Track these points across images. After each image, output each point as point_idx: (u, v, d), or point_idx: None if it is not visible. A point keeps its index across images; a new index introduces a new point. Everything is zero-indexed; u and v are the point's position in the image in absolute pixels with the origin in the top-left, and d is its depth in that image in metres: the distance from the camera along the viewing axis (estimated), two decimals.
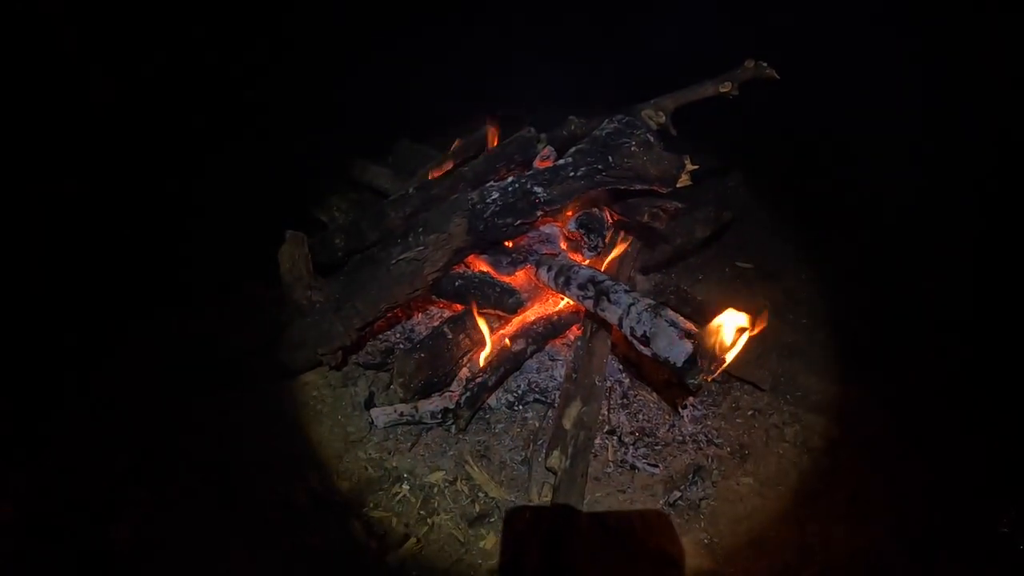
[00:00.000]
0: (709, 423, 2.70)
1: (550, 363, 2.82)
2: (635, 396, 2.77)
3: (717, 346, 2.18)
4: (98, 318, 2.93)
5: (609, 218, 2.91)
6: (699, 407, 2.73)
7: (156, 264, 3.19)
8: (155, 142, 3.52)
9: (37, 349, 2.81)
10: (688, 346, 2.18)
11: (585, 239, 2.81)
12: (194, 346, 2.87)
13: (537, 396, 2.71)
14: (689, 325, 2.25)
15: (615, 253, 2.89)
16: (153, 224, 3.31)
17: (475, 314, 2.70)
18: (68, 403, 2.68)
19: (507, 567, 2.21)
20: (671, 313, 2.31)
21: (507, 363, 2.68)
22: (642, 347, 2.32)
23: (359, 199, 3.44)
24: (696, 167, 2.61)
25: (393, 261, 2.54)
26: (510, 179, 2.60)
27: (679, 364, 2.19)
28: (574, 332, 2.88)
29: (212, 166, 3.71)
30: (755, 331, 2.18)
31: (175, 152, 3.57)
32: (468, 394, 2.57)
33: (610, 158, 2.55)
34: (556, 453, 2.36)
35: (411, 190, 2.88)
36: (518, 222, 2.57)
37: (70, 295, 2.97)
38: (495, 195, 2.55)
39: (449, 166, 3.08)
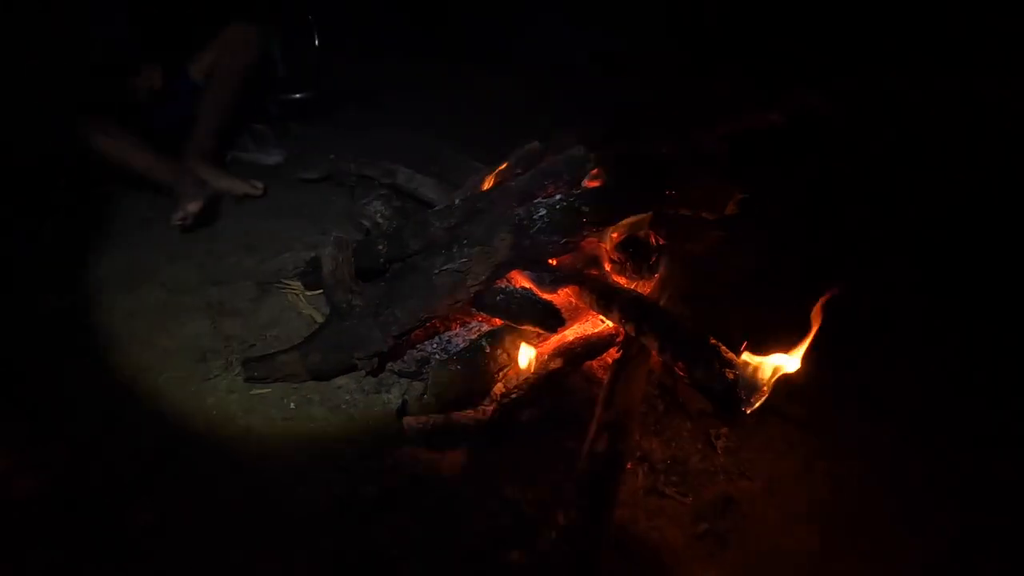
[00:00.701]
0: (742, 455, 2.66)
1: (585, 385, 2.80)
2: (669, 423, 2.74)
3: (758, 379, 2.17)
4: None
5: (654, 242, 2.92)
6: (732, 438, 2.69)
7: None
8: None
9: None
10: (729, 377, 2.17)
11: (630, 262, 2.81)
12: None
13: (570, 417, 2.70)
14: (731, 356, 2.24)
15: (657, 277, 2.88)
16: None
17: (519, 330, 2.70)
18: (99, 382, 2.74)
19: None
20: (712, 341, 2.29)
21: (543, 382, 2.67)
22: (682, 374, 2.31)
23: (403, 207, 3.46)
24: (744, 196, 2.60)
25: (436, 272, 2.56)
26: (558, 197, 2.61)
27: (719, 394, 2.18)
28: (611, 354, 2.86)
29: None
30: (795, 370, 2.17)
31: None
32: (503, 410, 2.56)
33: (663, 182, 2.55)
34: (585, 476, 2.35)
35: (456, 201, 2.90)
36: (564, 241, 2.58)
37: None
38: (542, 212, 2.56)
39: (495, 180, 3.09)
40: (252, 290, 3.25)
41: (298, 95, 4.76)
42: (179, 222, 3.54)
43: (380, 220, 3.25)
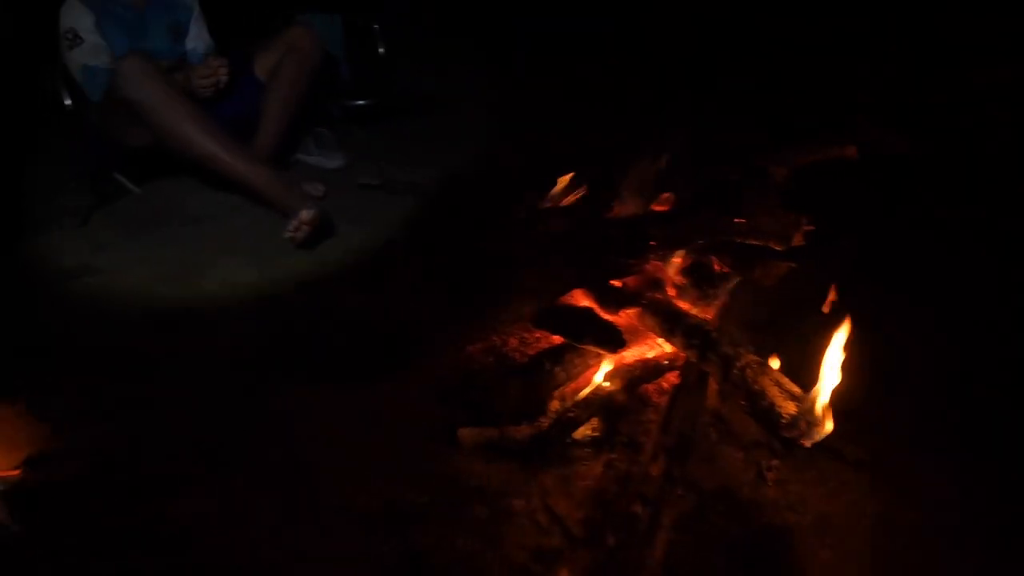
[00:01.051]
0: (791, 488, 2.64)
1: (641, 407, 2.81)
2: (720, 452, 2.73)
3: (820, 413, 2.17)
4: None
5: (718, 268, 2.92)
6: (783, 471, 2.67)
7: None
8: None
9: None
10: (790, 408, 2.17)
11: (695, 287, 2.82)
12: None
13: (625, 439, 2.70)
14: (793, 387, 2.25)
15: (721, 304, 2.89)
16: None
17: (579, 349, 2.71)
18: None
19: None
20: (776, 373, 2.31)
21: (599, 402, 2.68)
22: (745, 404, 2.31)
23: None
24: (812, 228, 2.60)
25: None
26: (627, 218, 2.63)
27: (779, 426, 2.18)
28: (667, 378, 2.86)
29: None
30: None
31: None
32: (558, 427, 2.57)
33: (731, 210, 2.56)
34: (640, 501, 2.35)
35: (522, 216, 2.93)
36: (631, 262, 2.59)
37: None
38: (608, 232, 2.58)
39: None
40: None
41: (361, 101, 4.81)
42: (292, 233, 3.55)
43: None
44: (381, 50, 4.72)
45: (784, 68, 4.88)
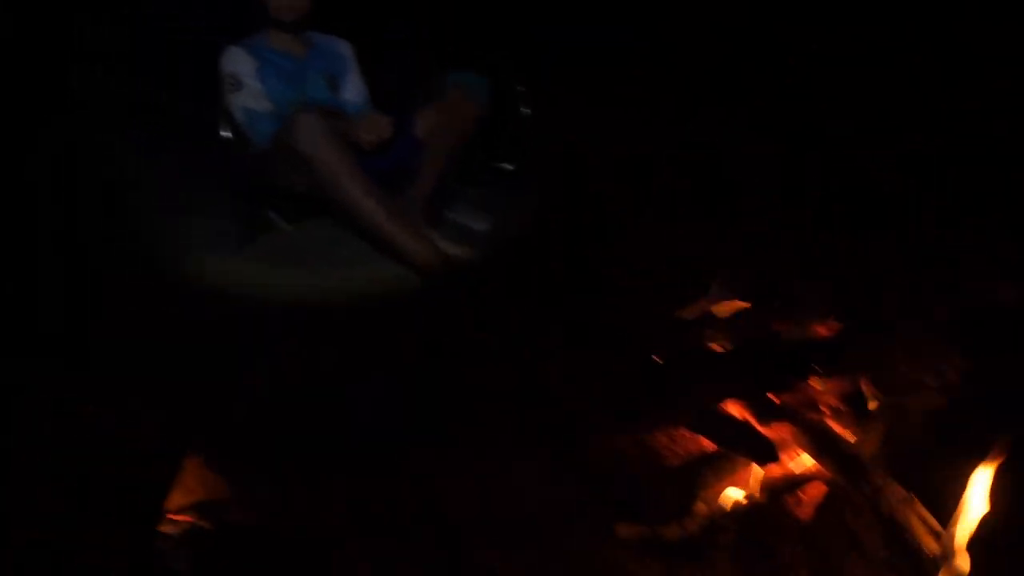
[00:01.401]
0: None
1: (781, 517, 2.90)
2: (848, 567, 2.81)
3: (958, 552, 2.26)
4: None
5: (870, 393, 3.01)
6: None
7: None
8: None
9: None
10: (933, 545, 2.26)
11: (854, 414, 2.91)
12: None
13: (763, 548, 2.81)
14: (936, 525, 2.34)
15: (872, 430, 2.98)
16: None
17: (729, 456, 2.83)
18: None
19: None
20: (922, 508, 2.39)
21: (743, 510, 2.80)
22: (890, 533, 2.40)
23: None
24: (969, 362, 2.70)
25: None
26: (790, 336, 2.75)
27: (923, 560, 2.27)
28: (806, 490, 2.96)
29: None
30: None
31: None
32: (704, 532, 2.71)
33: (890, 339, 2.67)
34: None
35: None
36: (792, 380, 2.71)
37: None
38: (772, 349, 2.70)
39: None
40: None
41: (507, 164, 4.88)
42: None
43: None
44: (526, 111, 4.81)
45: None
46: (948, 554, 2.28)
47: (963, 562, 2.30)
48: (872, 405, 2.96)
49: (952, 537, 2.29)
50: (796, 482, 2.95)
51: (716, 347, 3.04)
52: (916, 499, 2.47)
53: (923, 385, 2.81)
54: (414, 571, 2.60)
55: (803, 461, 2.99)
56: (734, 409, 2.95)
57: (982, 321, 3.12)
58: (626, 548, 2.72)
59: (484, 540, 2.74)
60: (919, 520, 2.34)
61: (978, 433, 3.27)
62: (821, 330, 2.96)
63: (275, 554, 2.60)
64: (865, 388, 2.95)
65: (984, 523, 2.34)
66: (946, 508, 2.72)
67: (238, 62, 3.94)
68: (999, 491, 2.73)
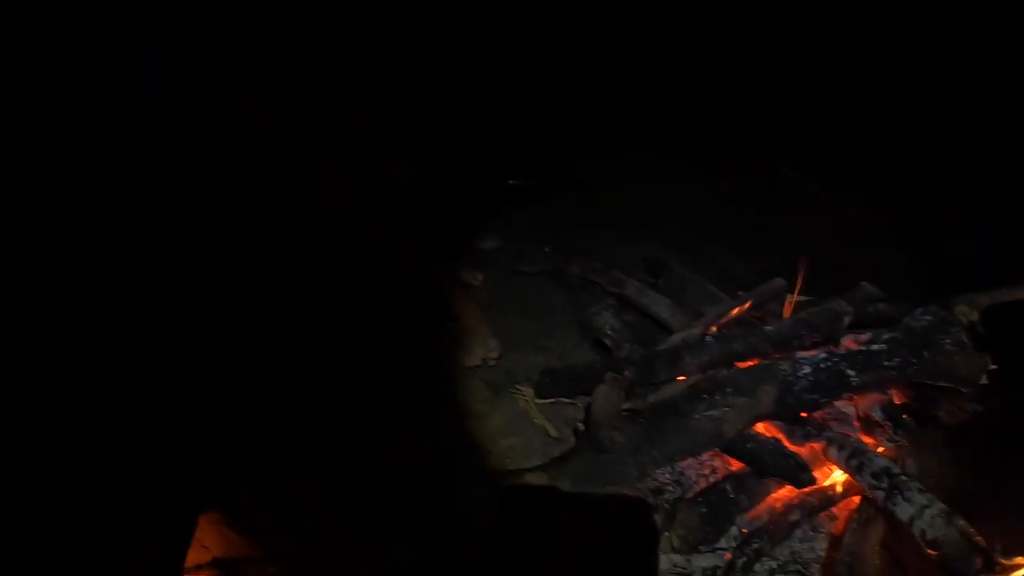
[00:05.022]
0: None
1: (812, 534, 2.88)
2: None
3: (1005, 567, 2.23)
4: None
5: (897, 402, 2.98)
6: None
7: None
8: None
9: None
10: (977, 562, 2.24)
11: (889, 429, 2.88)
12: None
13: (799, 567, 2.78)
14: (979, 539, 2.30)
15: (906, 444, 2.95)
16: None
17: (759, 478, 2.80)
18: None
19: None
20: (963, 523, 2.36)
21: (780, 531, 2.76)
22: (930, 552, 2.37)
23: (631, 321, 3.56)
24: (996, 367, 2.67)
25: (697, 416, 2.68)
26: (823, 355, 2.71)
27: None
28: (840, 506, 2.93)
29: None
30: None
31: None
32: (744, 559, 2.66)
33: (925, 353, 2.65)
34: None
35: (708, 337, 3.00)
36: (823, 399, 2.68)
37: None
38: (807, 370, 2.67)
39: (739, 312, 3.19)
40: (484, 391, 3.35)
41: (515, 180, 4.84)
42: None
43: (611, 334, 3.35)
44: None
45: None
46: (992, 566, 2.24)
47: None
48: (906, 418, 2.92)
49: (998, 556, 2.24)
50: (831, 499, 2.91)
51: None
52: (957, 514, 2.41)
53: (955, 392, 2.76)
54: None
55: (837, 478, 2.95)
56: (763, 428, 2.90)
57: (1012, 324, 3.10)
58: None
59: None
60: (962, 537, 2.27)
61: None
62: (851, 343, 2.91)
63: None
64: (898, 400, 2.91)
65: None
66: (987, 520, 2.73)
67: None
68: None
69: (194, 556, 2.65)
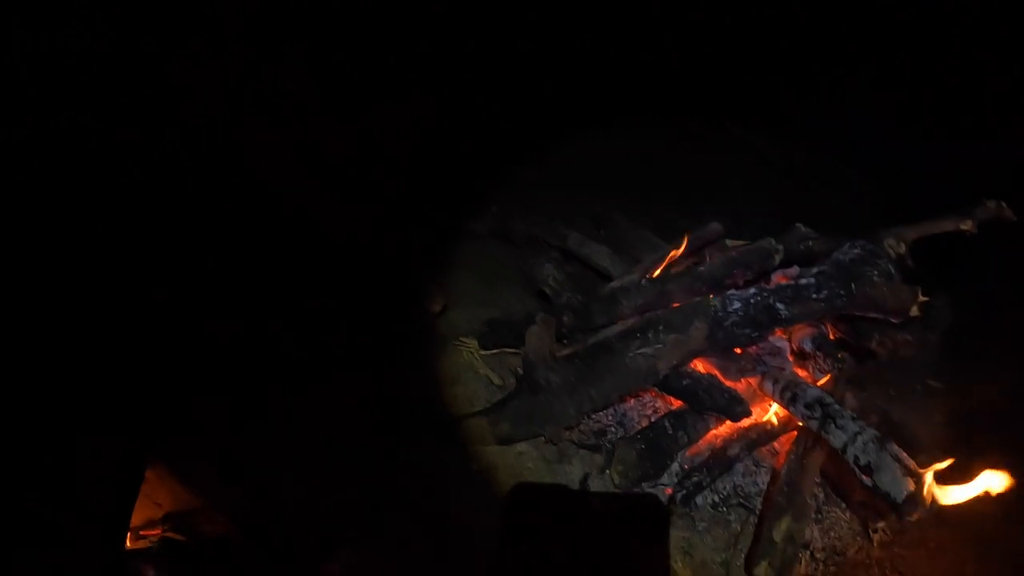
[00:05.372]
0: (896, 550, 2.77)
1: (754, 469, 2.94)
2: (828, 512, 2.86)
3: (933, 489, 2.29)
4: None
5: (835, 339, 3.03)
6: (888, 533, 2.80)
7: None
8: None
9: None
10: (909, 484, 2.29)
11: (821, 360, 2.93)
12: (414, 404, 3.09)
13: (741, 500, 2.84)
14: (911, 463, 2.35)
15: (839, 375, 3.00)
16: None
17: (698, 414, 2.85)
18: (289, 430, 2.93)
19: None
20: (895, 448, 2.41)
21: (719, 465, 2.81)
22: (864, 477, 2.42)
23: (574, 272, 3.60)
24: (927, 299, 2.71)
25: (630, 354, 2.71)
26: (752, 291, 2.75)
27: (900, 500, 2.29)
28: (781, 440, 2.99)
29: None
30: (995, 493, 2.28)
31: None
32: (684, 492, 2.72)
33: (852, 285, 2.69)
34: (764, 564, 2.50)
35: (643, 281, 3.03)
36: (755, 334, 2.72)
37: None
38: (737, 305, 2.71)
39: (675, 257, 3.22)
40: (429, 344, 3.39)
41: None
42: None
43: (553, 284, 3.38)
44: None
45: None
46: (923, 492, 2.29)
47: (939, 497, 2.33)
48: (838, 349, 2.97)
49: (927, 475, 2.29)
50: (771, 434, 2.96)
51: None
52: (892, 440, 2.46)
53: (886, 323, 2.80)
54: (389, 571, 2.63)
55: (775, 413, 3.00)
56: (699, 365, 2.95)
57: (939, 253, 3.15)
58: (603, 513, 2.69)
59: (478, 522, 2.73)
60: (895, 461, 2.32)
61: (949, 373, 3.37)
62: (781, 278, 2.96)
63: (251, 565, 2.61)
64: (829, 333, 2.96)
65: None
66: (920, 446, 2.80)
67: None
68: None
69: (148, 513, 2.71)
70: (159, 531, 2.68)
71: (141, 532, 2.69)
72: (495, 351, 3.32)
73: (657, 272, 3.19)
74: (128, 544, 2.64)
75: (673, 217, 3.82)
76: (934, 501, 2.32)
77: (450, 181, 4.27)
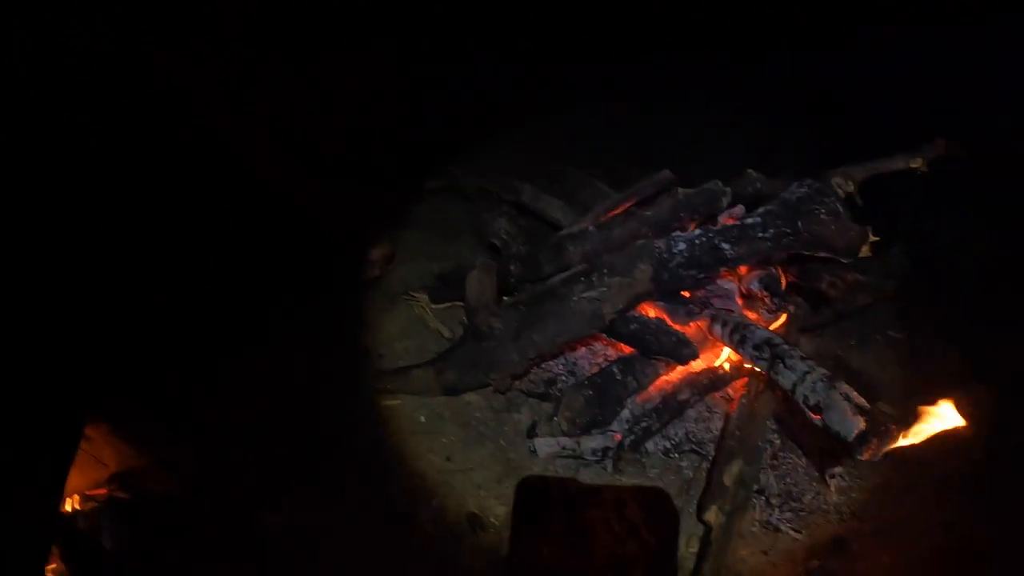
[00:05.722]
0: (855, 495, 2.76)
1: (707, 415, 2.91)
2: (785, 458, 2.83)
3: (891, 427, 2.25)
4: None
5: (785, 280, 2.99)
6: (846, 478, 2.77)
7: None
8: None
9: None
10: (860, 422, 2.25)
11: (768, 300, 2.88)
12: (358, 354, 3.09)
13: (693, 446, 2.82)
14: (862, 401, 2.32)
15: (788, 316, 2.96)
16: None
17: (647, 359, 2.81)
18: (230, 386, 2.92)
19: None
20: (846, 387, 2.37)
21: (670, 411, 2.78)
22: (813, 416, 2.39)
23: (528, 226, 3.56)
24: (877, 239, 2.67)
25: (575, 298, 2.67)
26: (697, 231, 2.71)
27: (849, 438, 2.26)
28: (734, 385, 2.95)
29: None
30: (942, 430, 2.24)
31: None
32: (633, 437, 2.69)
33: (799, 223, 2.64)
34: (714, 508, 2.47)
35: (590, 227, 2.99)
36: (701, 275, 2.69)
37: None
38: (681, 246, 2.66)
39: (626, 206, 3.17)
40: (378, 299, 3.35)
41: None
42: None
43: (505, 237, 3.34)
44: None
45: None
46: (877, 430, 2.25)
47: (894, 436, 2.29)
48: (786, 290, 2.93)
49: (880, 413, 2.26)
50: (723, 378, 2.93)
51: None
52: (841, 379, 2.42)
53: (836, 263, 2.76)
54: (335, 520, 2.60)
55: (730, 356, 2.96)
56: (647, 310, 2.91)
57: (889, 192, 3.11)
58: (550, 462, 2.66)
59: (416, 473, 2.74)
60: (845, 400, 2.29)
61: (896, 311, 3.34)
62: (727, 219, 2.92)
63: (199, 520, 2.58)
64: (778, 273, 2.92)
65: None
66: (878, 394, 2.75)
67: None
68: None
69: (94, 475, 2.68)
70: (104, 491, 2.64)
71: (88, 492, 2.65)
72: (447, 305, 3.28)
73: (606, 220, 3.13)
74: (77, 506, 2.61)
75: (626, 169, 3.76)
76: (888, 440, 2.28)
77: (405, 138, 4.22)
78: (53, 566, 2.39)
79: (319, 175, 3.67)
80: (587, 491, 2.65)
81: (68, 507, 2.59)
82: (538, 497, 2.61)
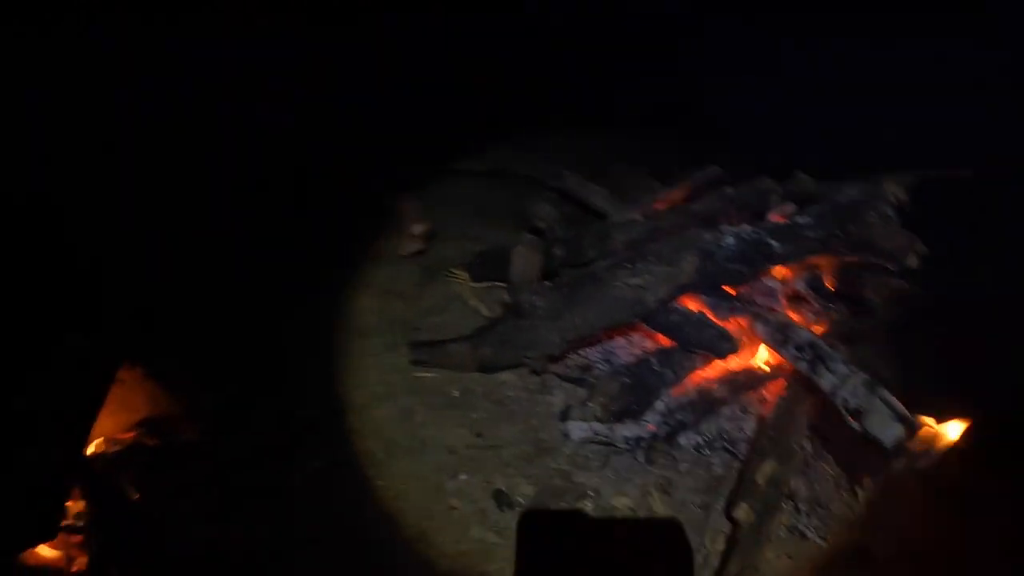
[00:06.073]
0: (880, 507, 2.71)
1: (741, 414, 2.87)
2: (816, 465, 2.79)
3: (929, 437, 2.21)
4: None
5: (830, 283, 2.96)
6: (873, 489, 2.73)
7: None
8: None
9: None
10: (900, 430, 2.22)
11: (814, 301, 2.85)
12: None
13: (725, 444, 2.78)
14: (903, 409, 2.28)
15: (833, 320, 2.93)
16: None
17: (688, 351, 2.77)
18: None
19: None
20: (886, 393, 2.34)
21: (704, 406, 2.75)
22: (853, 421, 2.35)
23: (570, 213, 3.55)
24: (926, 250, 2.64)
25: (618, 284, 2.65)
26: (747, 227, 2.68)
27: (888, 445, 2.22)
28: (770, 387, 2.92)
29: None
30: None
31: None
32: (668, 429, 2.65)
33: (849, 226, 2.60)
34: (745, 506, 2.42)
35: (639, 217, 2.97)
36: (747, 270, 2.66)
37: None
38: (730, 240, 2.64)
39: (675, 199, 3.16)
40: (418, 275, 3.35)
41: None
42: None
43: (549, 221, 3.33)
44: None
45: None
46: (914, 440, 2.22)
47: (931, 448, 2.26)
48: (831, 293, 2.90)
49: (920, 424, 2.23)
50: (759, 378, 2.89)
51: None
52: (882, 385, 2.39)
53: (882, 269, 2.73)
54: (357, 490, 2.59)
55: (765, 357, 2.93)
56: (689, 303, 2.88)
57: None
58: (582, 446, 2.63)
59: (438, 451, 2.69)
60: (886, 406, 2.25)
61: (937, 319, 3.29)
62: (777, 217, 2.89)
63: (222, 470, 2.57)
64: (823, 277, 2.89)
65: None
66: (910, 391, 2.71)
67: None
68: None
69: (126, 419, 2.68)
70: (130, 435, 2.64)
71: (117, 436, 2.65)
72: (487, 284, 3.26)
73: (653, 211, 3.12)
74: (103, 448, 2.60)
75: (673, 164, 3.74)
76: (925, 451, 2.25)
77: (452, 119, 4.24)
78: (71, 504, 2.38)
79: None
80: (614, 479, 2.62)
81: (93, 448, 2.57)
82: (563, 479, 2.58)
